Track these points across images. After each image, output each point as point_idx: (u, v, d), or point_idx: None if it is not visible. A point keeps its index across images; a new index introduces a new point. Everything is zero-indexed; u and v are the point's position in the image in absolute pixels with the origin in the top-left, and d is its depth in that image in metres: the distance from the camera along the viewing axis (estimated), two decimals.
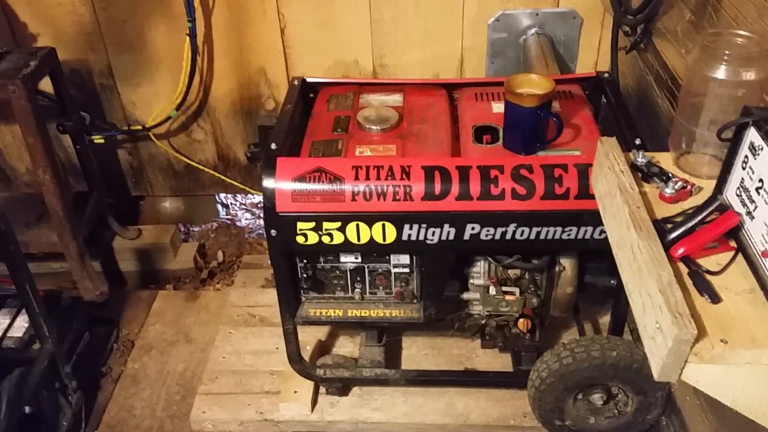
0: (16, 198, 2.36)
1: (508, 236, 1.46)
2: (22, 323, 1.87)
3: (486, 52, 2.11)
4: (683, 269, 0.92)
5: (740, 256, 0.95)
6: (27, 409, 1.70)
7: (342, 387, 1.84)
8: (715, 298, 0.87)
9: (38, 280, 1.71)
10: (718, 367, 0.83)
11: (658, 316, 0.84)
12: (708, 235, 0.95)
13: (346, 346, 1.99)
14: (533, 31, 2.06)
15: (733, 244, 0.96)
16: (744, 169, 0.95)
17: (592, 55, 2.13)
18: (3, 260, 1.62)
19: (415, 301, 1.66)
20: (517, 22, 2.05)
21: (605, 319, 1.97)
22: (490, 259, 1.59)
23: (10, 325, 1.87)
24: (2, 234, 1.57)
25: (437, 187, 1.42)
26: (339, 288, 1.66)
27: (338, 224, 1.46)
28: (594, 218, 1.38)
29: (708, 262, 0.94)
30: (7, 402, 1.63)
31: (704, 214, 0.97)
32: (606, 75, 1.72)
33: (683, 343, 0.80)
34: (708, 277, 0.91)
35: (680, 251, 0.93)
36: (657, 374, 0.84)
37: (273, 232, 1.48)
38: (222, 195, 2.59)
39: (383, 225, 1.46)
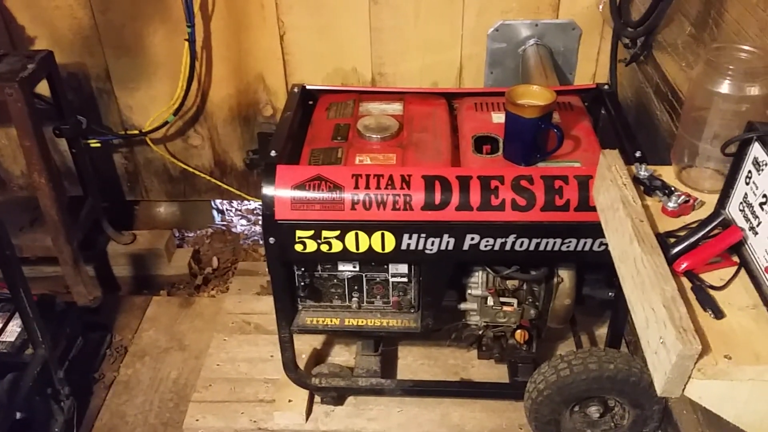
0: (10, 201, 2.34)
1: (508, 247, 1.45)
2: (14, 328, 1.86)
3: (485, 62, 2.11)
4: (686, 284, 0.92)
5: (743, 272, 0.95)
6: (18, 415, 1.68)
7: (337, 396, 1.83)
8: (718, 314, 0.87)
9: (31, 285, 1.69)
10: (722, 383, 0.82)
11: (661, 330, 0.83)
12: (711, 250, 0.95)
13: (342, 355, 1.98)
14: (532, 41, 2.06)
15: (735, 259, 0.96)
16: (747, 184, 0.95)
17: (591, 67, 2.14)
18: None
19: (412, 311, 1.66)
20: (516, 33, 2.06)
21: (602, 331, 1.97)
22: (488, 269, 1.58)
23: (2, 330, 1.86)
24: None
25: (437, 197, 1.41)
26: (336, 297, 1.65)
27: (337, 233, 1.46)
28: (593, 230, 1.38)
29: (711, 277, 0.93)
30: None
31: (708, 228, 0.97)
32: (606, 87, 1.72)
33: (687, 359, 0.79)
34: (711, 292, 0.91)
35: (683, 266, 0.93)
36: (660, 389, 0.84)
37: (271, 239, 1.48)
38: (218, 201, 2.59)
39: (382, 234, 1.45)
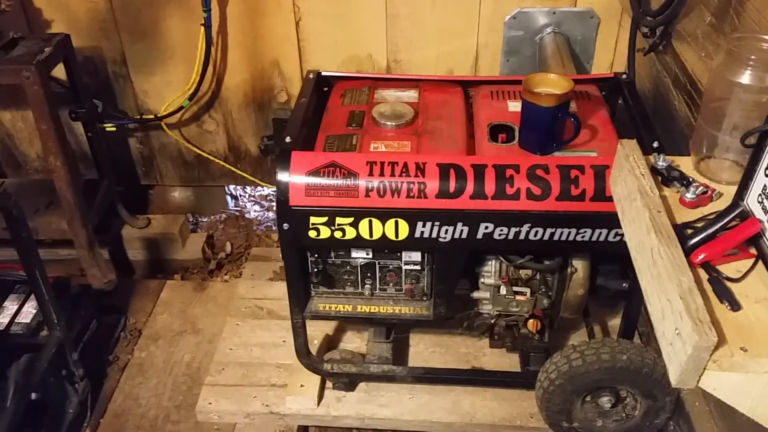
0: (26, 184, 2.36)
1: (522, 236, 1.45)
2: (30, 309, 1.88)
3: (501, 50, 2.10)
4: (703, 275, 0.91)
5: (760, 264, 0.94)
6: (33, 396, 1.70)
7: (349, 382, 1.84)
8: (735, 306, 0.87)
9: (47, 267, 1.71)
10: (737, 375, 0.82)
11: (677, 322, 0.83)
12: (729, 241, 0.94)
13: (354, 342, 1.98)
14: (550, 29, 2.04)
15: (753, 251, 0.95)
16: (767, 176, 0.94)
17: (608, 56, 2.12)
18: (14, 246, 1.62)
19: (425, 299, 1.66)
20: (533, 21, 2.04)
21: (614, 322, 1.96)
22: (501, 258, 1.58)
23: (18, 311, 1.88)
24: (14, 219, 1.57)
25: (452, 185, 1.41)
26: (349, 283, 1.65)
27: (351, 219, 1.46)
28: (609, 221, 1.37)
29: (728, 269, 0.93)
30: (14, 388, 1.63)
31: (725, 220, 0.96)
32: (624, 76, 1.71)
33: (703, 350, 0.79)
34: (728, 284, 0.90)
35: (700, 257, 0.92)
36: (675, 380, 0.83)
37: (285, 225, 1.48)
38: (231, 186, 2.60)
39: (396, 222, 1.45)
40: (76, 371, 1.86)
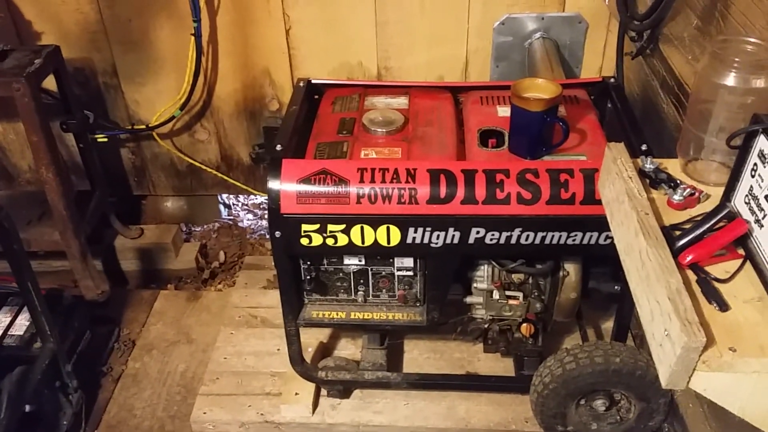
0: (18, 196, 2.35)
1: (513, 241, 1.45)
2: (23, 321, 1.87)
3: (491, 56, 2.11)
4: (691, 277, 0.92)
5: (748, 264, 0.94)
6: (27, 408, 1.70)
7: (343, 389, 1.84)
8: (723, 306, 0.87)
9: (39, 279, 1.70)
10: (726, 376, 0.82)
11: (666, 323, 0.83)
12: (717, 242, 0.94)
13: (348, 349, 1.98)
14: (538, 35, 2.06)
15: (741, 251, 0.96)
16: (753, 177, 0.95)
17: (597, 60, 2.13)
18: (6, 258, 1.62)
19: (418, 305, 1.66)
20: (522, 26, 2.05)
21: (608, 325, 1.97)
22: (494, 263, 1.58)
23: (11, 324, 1.87)
24: (5, 231, 1.56)
25: (442, 191, 1.41)
26: (342, 290, 1.65)
27: (343, 226, 1.46)
28: (599, 224, 1.38)
29: (716, 270, 0.93)
30: (8, 400, 1.63)
31: (713, 221, 0.96)
32: (612, 80, 1.72)
33: (692, 351, 0.79)
34: (716, 284, 0.91)
35: (689, 258, 0.93)
36: (665, 382, 0.84)
37: (277, 233, 1.48)
38: (224, 195, 2.59)
39: (388, 228, 1.45)
40: (70, 383, 1.85)
